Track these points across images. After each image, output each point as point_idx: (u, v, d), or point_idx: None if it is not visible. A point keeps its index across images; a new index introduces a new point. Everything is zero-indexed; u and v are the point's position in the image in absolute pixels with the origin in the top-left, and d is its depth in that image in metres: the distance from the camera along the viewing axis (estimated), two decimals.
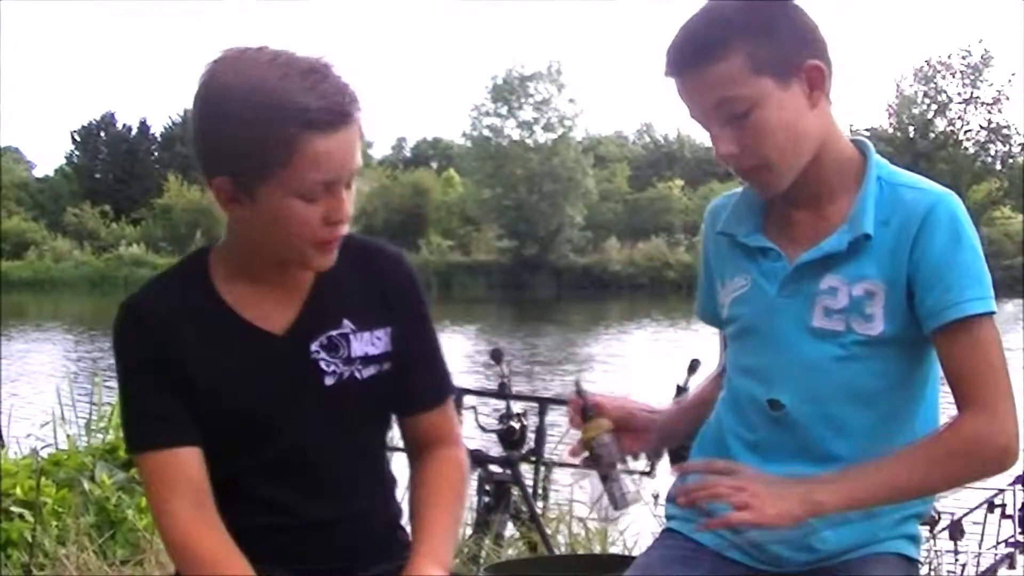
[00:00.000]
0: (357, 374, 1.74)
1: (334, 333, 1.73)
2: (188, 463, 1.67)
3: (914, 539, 1.81)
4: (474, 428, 4.26)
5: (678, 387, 4.13)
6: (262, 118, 1.54)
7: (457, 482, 1.82)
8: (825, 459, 1.73)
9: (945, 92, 49.68)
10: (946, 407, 1.79)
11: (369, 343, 1.75)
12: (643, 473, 4.17)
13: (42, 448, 4.96)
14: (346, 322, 1.74)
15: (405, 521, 1.85)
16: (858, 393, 1.74)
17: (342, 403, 1.73)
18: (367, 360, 1.74)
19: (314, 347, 1.72)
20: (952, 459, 1.65)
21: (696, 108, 1.73)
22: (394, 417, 1.85)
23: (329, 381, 1.72)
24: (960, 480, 1.72)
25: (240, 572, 1.63)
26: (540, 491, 4.56)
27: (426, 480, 1.81)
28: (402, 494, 1.91)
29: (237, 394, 1.69)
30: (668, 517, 1.93)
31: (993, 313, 1.69)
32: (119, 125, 58.67)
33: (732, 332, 1.87)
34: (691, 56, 1.70)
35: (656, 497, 4.08)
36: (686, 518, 1.86)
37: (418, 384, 1.81)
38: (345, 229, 1.65)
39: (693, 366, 3.95)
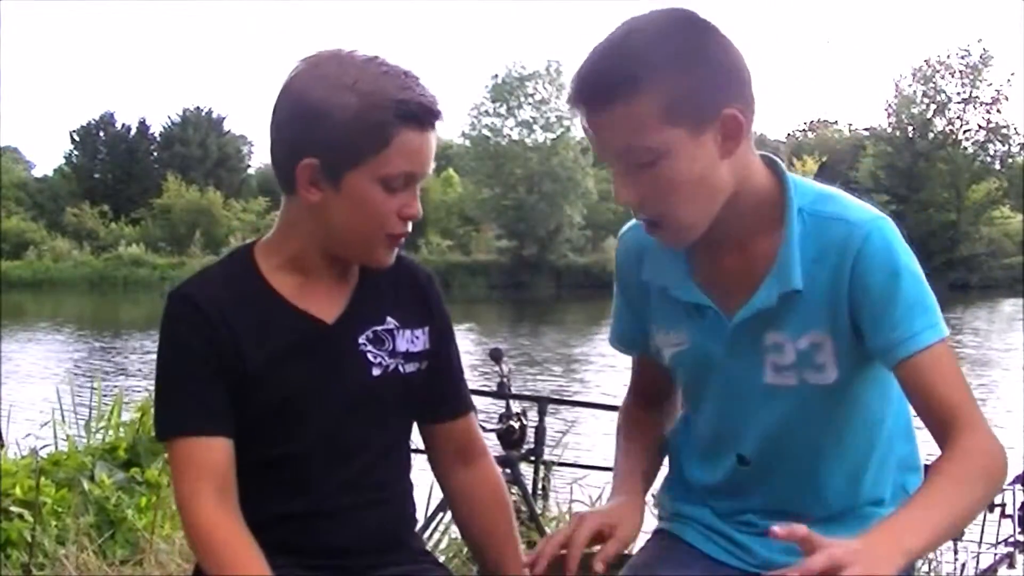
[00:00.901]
0: (400, 368, 1.79)
1: (379, 328, 1.79)
2: (218, 453, 1.69)
3: None
4: None
5: None
6: (365, 104, 1.64)
7: (508, 498, 1.95)
8: (789, 507, 1.72)
9: (944, 92, 49.70)
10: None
11: (410, 341, 1.81)
12: None
13: (42, 448, 4.96)
14: (390, 319, 1.80)
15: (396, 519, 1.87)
16: (822, 442, 1.71)
17: (384, 395, 1.78)
18: (408, 356, 1.80)
19: (361, 339, 1.77)
20: (978, 482, 1.55)
21: (597, 147, 1.61)
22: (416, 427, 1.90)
23: (376, 372, 1.77)
24: (987, 501, 1.62)
25: (256, 566, 1.65)
26: (540, 491, 4.57)
27: (487, 499, 1.91)
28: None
29: (287, 376, 1.73)
30: (659, 518, 1.92)
31: (945, 337, 1.60)
32: (118, 125, 58.64)
33: (678, 377, 1.82)
34: (598, 94, 1.55)
35: (656, 497, 4.10)
36: (677, 520, 1.86)
37: (449, 391, 1.89)
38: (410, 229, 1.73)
39: None
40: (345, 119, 1.64)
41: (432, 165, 1.73)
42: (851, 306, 1.61)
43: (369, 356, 1.77)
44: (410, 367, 1.80)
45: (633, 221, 1.76)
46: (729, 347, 1.69)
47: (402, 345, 1.80)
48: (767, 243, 1.65)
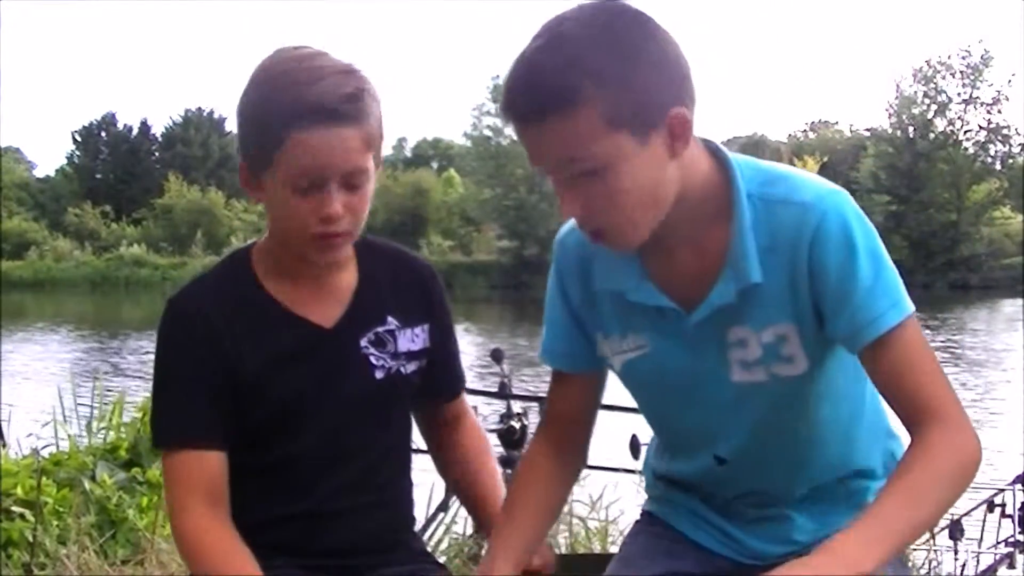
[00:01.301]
0: (402, 369, 1.79)
1: (380, 329, 1.78)
2: (211, 466, 1.69)
3: None
4: None
5: None
6: (261, 108, 1.64)
7: (487, 445, 2.01)
8: (771, 499, 1.71)
9: (945, 92, 49.68)
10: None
11: (411, 340, 1.81)
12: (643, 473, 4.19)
13: (43, 448, 4.97)
14: (390, 319, 1.79)
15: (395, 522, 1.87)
16: (798, 433, 1.65)
17: (388, 397, 1.78)
18: (410, 356, 1.80)
19: (363, 342, 1.76)
20: (946, 482, 1.47)
21: (536, 160, 1.49)
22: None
23: (379, 375, 1.77)
24: (955, 499, 1.54)
25: (248, 568, 1.64)
26: None
27: (469, 449, 1.96)
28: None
29: (286, 383, 1.72)
30: (648, 498, 1.88)
31: (911, 313, 1.52)
32: (120, 125, 58.76)
33: (635, 387, 1.72)
34: (535, 106, 1.44)
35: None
36: (666, 504, 1.82)
37: (447, 378, 1.91)
38: (345, 227, 1.67)
39: None
40: (249, 122, 1.66)
41: (355, 162, 1.64)
42: (812, 292, 1.53)
43: (372, 359, 1.77)
44: (411, 367, 1.80)
45: (570, 225, 1.65)
46: (692, 347, 1.61)
47: (403, 345, 1.80)
48: (719, 234, 1.56)
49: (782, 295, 1.55)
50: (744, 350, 1.59)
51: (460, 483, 1.96)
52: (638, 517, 1.90)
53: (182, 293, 1.77)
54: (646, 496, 1.90)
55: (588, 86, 1.41)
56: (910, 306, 1.53)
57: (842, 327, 1.53)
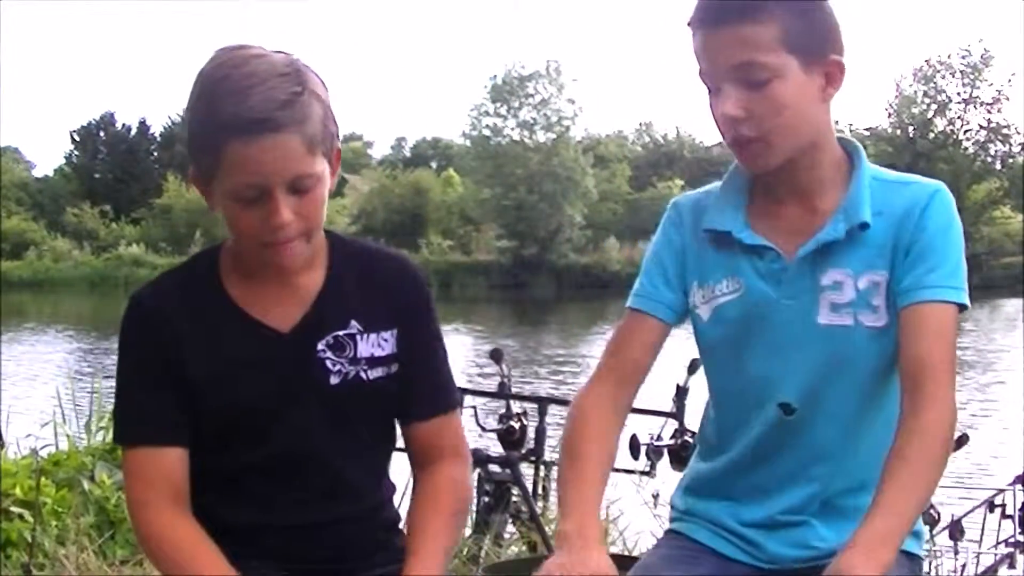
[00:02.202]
0: (363, 375, 1.75)
1: (340, 333, 1.74)
2: (171, 463, 1.69)
3: (916, 534, 1.79)
4: (474, 428, 4.26)
5: (678, 387, 4.14)
6: (198, 123, 1.64)
7: (455, 501, 1.79)
8: (826, 458, 1.74)
9: (945, 92, 49.67)
10: None
11: (376, 345, 1.76)
12: (643, 473, 4.18)
13: (42, 448, 4.95)
14: (353, 323, 1.75)
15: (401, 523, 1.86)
16: (869, 390, 1.74)
17: (346, 403, 1.74)
18: (373, 361, 1.75)
19: (320, 346, 1.73)
20: (940, 461, 1.62)
21: (713, 65, 1.68)
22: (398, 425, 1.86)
23: (334, 380, 1.73)
24: (943, 473, 1.65)
25: (212, 563, 1.64)
26: (540, 491, 4.56)
27: (425, 499, 1.78)
28: (400, 499, 1.91)
29: (239, 389, 1.70)
30: (672, 519, 1.92)
31: (965, 307, 1.68)
32: (118, 125, 58.57)
33: (714, 339, 1.79)
34: (727, 11, 1.65)
35: (656, 497, 4.09)
36: (689, 519, 1.86)
37: (420, 392, 1.80)
38: (295, 232, 1.65)
39: (693, 366, 3.95)
40: (191, 135, 1.65)
41: (298, 168, 1.61)
42: (907, 247, 1.69)
43: (328, 364, 1.73)
44: (376, 372, 1.75)
45: (681, 195, 1.87)
46: (785, 288, 1.73)
47: (365, 350, 1.75)
48: (832, 196, 1.74)
49: (884, 246, 1.70)
50: (838, 292, 1.71)
51: (408, 514, 1.80)
52: (660, 536, 1.94)
53: (144, 289, 1.76)
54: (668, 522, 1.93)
55: (775, 6, 1.64)
56: (965, 300, 1.68)
57: (908, 278, 1.68)
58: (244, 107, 1.57)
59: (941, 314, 1.66)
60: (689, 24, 1.70)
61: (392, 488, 1.87)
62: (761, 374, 1.76)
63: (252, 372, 1.71)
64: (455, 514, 1.79)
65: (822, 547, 1.74)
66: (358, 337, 1.75)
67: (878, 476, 1.60)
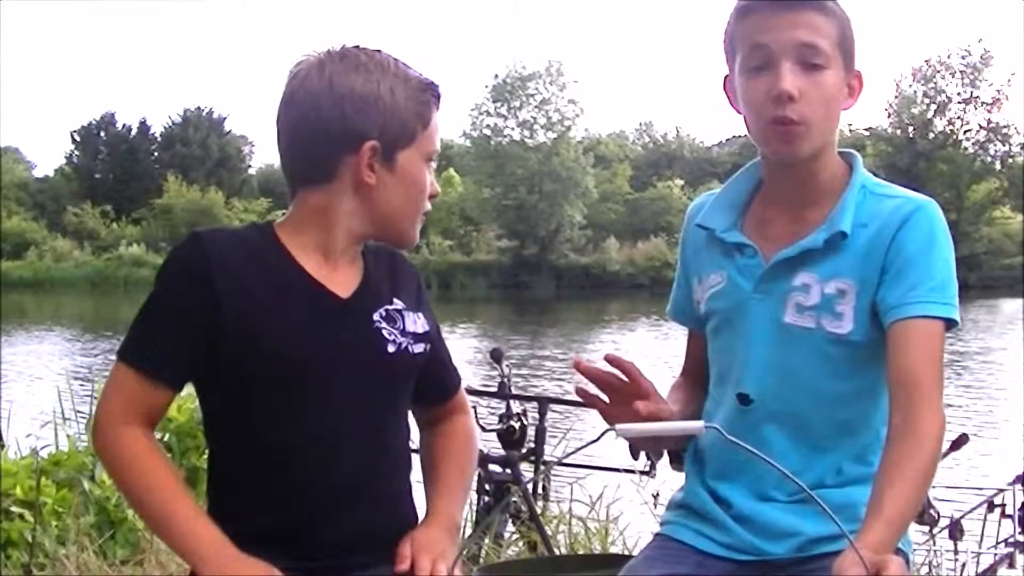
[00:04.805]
0: (411, 348, 1.84)
1: (390, 307, 1.84)
2: (156, 398, 1.74)
3: None
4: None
5: None
6: (408, 88, 1.78)
7: (472, 447, 2.00)
8: (776, 456, 1.73)
9: (945, 92, 49.64)
10: None
11: (414, 322, 1.86)
12: (643, 473, 4.19)
13: (42, 448, 4.96)
14: (396, 300, 1.85)
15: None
16: (823, 393, 1.77)
17: (398, 373, 1.83)
18: (416, 337, 1.85)
19: (376, 316, 1.81)
20: (932, 465, 1.65)
21: (777, 41, 1.73)
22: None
23: (391, 349, 1.81)
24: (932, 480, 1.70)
25: (164, 468, 1.72)
26: (540, 491, 4.57)
27: (444, 442, 1.97)
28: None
29: (299, 347, 1.74)
30: (661, 523, 1.94)
31: (953, 324, 1.71)
32: (119, 125, 58.60)
33: (709, 329, 1.90)
34: None
35: (656, 496, 4.09)
36: (678, 522, 1.88)
37: (442, 377, 1.98)
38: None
39: None
40: (396, 102, 1.76)
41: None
42: (884, 263, 1.73)
43: (384, 333, 1.81)
44: (418, 347, 1.85)
45: (701, 196, 1.96)
46: (759, 285, 1.79)
47: (410, 325, 1.84)
48: (823, 208, 1.79)
49: (858, 255, 1.75)
50: (804, 295, 1.77)
51: (423, 466, 1.97)
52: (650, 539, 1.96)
53: (210, 231, 1.78)
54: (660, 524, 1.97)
55: (837, 8, 1.76)
56: (954, 316, 1.72)
57: (893, 296, 1.71)
58: (433, 83, 1.85)
59: (927, 329, 1.69)
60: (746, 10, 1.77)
61: (410, 486, 1.90)
62: (728, 363, 1.85)
63: (314, 332, 1.75)
64: (471, 461, 1.99)
65: (802, 538, 1.75)
66: (404, 313, 1.85)
67: (831, 481, 1.74)
